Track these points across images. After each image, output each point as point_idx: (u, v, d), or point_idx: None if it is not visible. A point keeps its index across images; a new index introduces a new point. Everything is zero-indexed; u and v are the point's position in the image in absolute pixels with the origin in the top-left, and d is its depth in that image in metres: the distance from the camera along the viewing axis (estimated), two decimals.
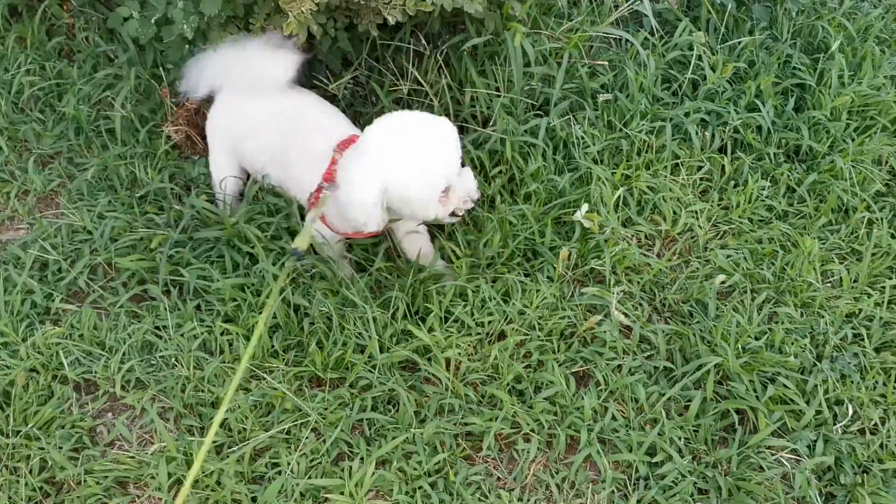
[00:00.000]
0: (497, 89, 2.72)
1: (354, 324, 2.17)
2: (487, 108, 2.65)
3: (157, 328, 2.20)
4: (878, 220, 2.52)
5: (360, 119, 2.72)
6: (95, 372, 2.11)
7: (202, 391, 2.07)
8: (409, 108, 2.74)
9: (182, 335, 2.17)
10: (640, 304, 2.32)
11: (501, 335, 2.22)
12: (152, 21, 2.44)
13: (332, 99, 2.78)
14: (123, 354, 2.13)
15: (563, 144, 2.64)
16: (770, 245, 2.45)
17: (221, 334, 2.18)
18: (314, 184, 2.13)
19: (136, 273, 2.32)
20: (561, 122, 2.61)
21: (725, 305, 2.29)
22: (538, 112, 2.71)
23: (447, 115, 2.70)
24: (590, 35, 2.76)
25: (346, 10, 2.40)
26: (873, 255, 2.43)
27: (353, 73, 2.75)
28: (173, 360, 2.13)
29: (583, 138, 2.59)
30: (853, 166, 2.61)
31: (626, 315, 2.25)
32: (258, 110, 2.32)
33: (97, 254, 2.35)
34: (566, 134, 2.62)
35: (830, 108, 2.71)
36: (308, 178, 2.16)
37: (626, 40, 2.82)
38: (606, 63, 2.76)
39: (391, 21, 2.27)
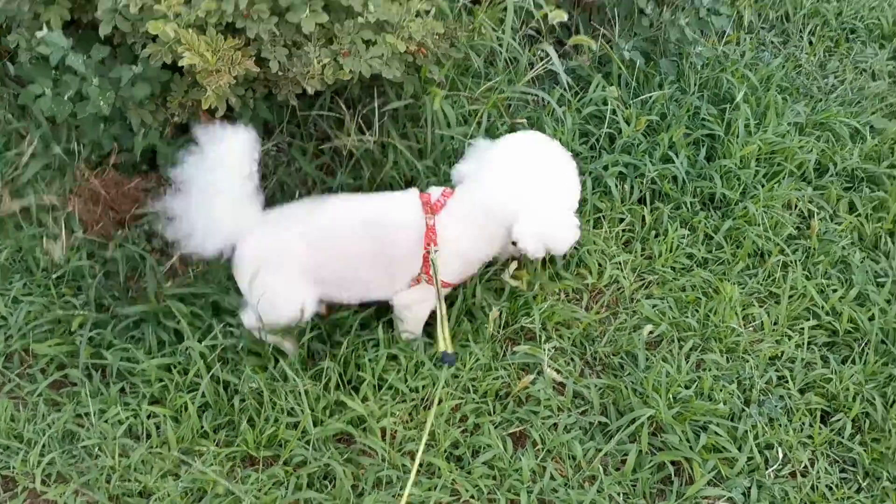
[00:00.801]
0: (420, 150, 2.75)
1: (286, 398, 2.12)
2: (410, 170, 2.67)
3: (78, 416, 2.12)
4: (792, 262, 2.62)
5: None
6: (13, 467, 2.01)
7: (129, 481, 1.99)
8: (332, 172, 2.75)
9: (106, 421, 2.09)
10: (572, 359, 2.34)
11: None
12: (66, 98, 2.39)
13: None
14: (43, 447, 2.04)
15: None
16: (693, 292, 2.51)
17: (148, 417, 2.11)
18: (413, 268, 2.15)
19: (55, 358, 2.23)
20: None
21: (655, 356, 2.33)
22: None
23: (370, 179, 2.73)
24: (507, 94, 2.82)
25: (265, 81, 2.40)
26: (790, 297, 2.51)
27: (275, 140, 2.74)
28: (97, 449, 2.05)
29: None
30: (765, 211, 2.71)
31: (558, 371, 2.27)
32: (315, 233, 2.16)
33: (12, 340, 2.26)
34: None
35: (740, 157, 2.82)
36: (407, 266, 2.16)
37: (543, 98, 2.89)
38: (525, 121, 2.82)
39: (310, 91, 2.28)
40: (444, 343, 2.08)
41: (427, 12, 2.44)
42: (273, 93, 2.44)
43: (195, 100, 2.32)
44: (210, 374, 2.13)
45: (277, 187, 2.75)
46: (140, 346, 2.24)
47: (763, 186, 2.79)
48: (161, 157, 2.64)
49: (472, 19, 2.78)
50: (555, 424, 2.17)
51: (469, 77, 2.87)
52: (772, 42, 3.50)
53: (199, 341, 2.20)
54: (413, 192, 2.22)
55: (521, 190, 2.11)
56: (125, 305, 2.34)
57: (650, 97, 2.97)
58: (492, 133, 2.79)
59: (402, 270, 2.18)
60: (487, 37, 2.79)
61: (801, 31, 3.57)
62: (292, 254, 2.14)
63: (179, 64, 2.04)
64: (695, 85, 3.07)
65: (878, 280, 2.52)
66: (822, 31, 3.59)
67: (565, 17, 2.58)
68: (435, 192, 2.21)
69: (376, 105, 2.70)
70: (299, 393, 2.11)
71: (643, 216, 2.71)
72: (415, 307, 2.26)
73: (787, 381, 2.30)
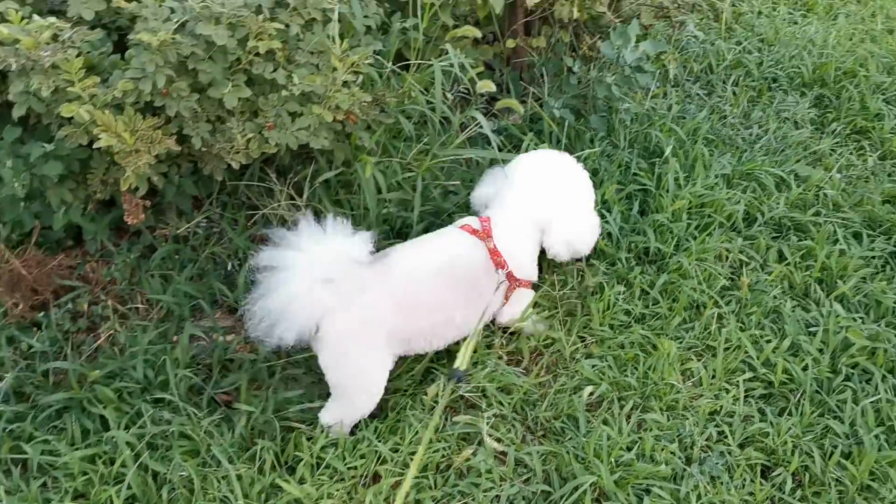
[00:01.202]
0: (354, 217, 2.72)
1: (219, 485, 2.04)
2: None
3: None
4: (726, 314, 2.64)
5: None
6: None
7: None
8: (263, 242, 2.70)
9: None
10: (513, 426, 2.31)
11: (376, 477, 2.15)
12: None
13: (183, 240, 2.70)
14: None
15: None
16: (631, 350, 2.51)
17: None
18: (496, 298, 2.34)
19: None
20: None
21: (596, 418, 2.31)
22: (398, 237, 2.72)
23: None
24: (441, 157, 2.82)
25: (189, 157, 2.35)
26: (726, 349, 2.53)
27: (205, 213, 2.69)
28: None
29: None
30: (698, 264, 2.74)
31: (499, 440, 2.23)
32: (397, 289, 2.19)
33: None
34: None
35: (672, 211, 2.86)
36: (490, 290, 2.32)
37: (476, 159, 2.91)
38: (459, 183, 2.82)
39: (235, 166, 2.24)
40: (461, 359, 2.22)
41: (354, 81, 2.44)
42: (199, 167, 2.40)
43: (116, 178, 2.26)
44: (137, 463, 2.05)
45: (209, 260, 2.69)
46: (62, 437, 2.14)
47: (695, 239, 2.83)
48: (87, 233, 2.58)
49: (401, 84, 2.78)
50: (497, 496, 2.12)
51: (401, 141, 2.87)
52: (697, 94, 3.58)
53: (126, 429, 2.12)
54: (455, 227, 2.40)
55: (549, 202, 2.42)
56: (47, 393, 2.24)
57: (582, 153, 3.00)
58: (426, 196, 2.78)
59: (490, 296, 2.33)
60: (418, 100, 2.79)
61: (724, 83, 3.67)
62: (381, 319, 2.15)
63: (95, 146, 1.99)
64: (625, 140, 3.12)
65: (810, 329, 2.56)
66: (745, 82, 3.69)
67: (493, 88, 2.61)
68: (472, 221, 2.40)
69: (308, 174, 2.68)
70: (232, 479, 2.04)
71: (581, 273, 2.71)
72: (518, 308, 2.46)
73: (726, 437, 2.30)
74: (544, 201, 2.42)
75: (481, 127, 2.80)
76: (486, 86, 2.58)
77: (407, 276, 2.21)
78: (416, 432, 2.20)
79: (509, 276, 2.35)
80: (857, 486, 2.15)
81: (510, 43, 3.31)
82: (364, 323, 2.12)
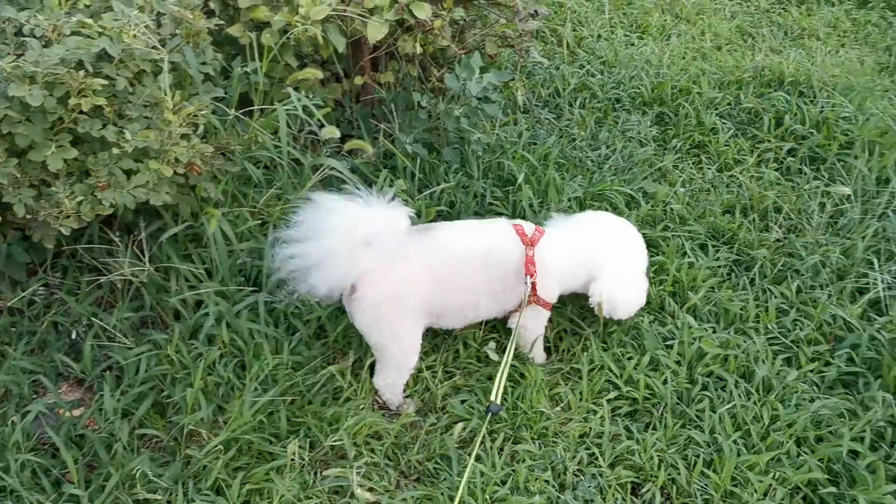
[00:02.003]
0: (207, 271, 2.62)
1: None
2: (197, 293, 2.53)
3: None
4: (589, 334, 2.69)
5: None
6: None
7: None
8: (111, 307, 2.55)
9: None
10: (386, 472, 2.26)
11: None
12: None
13: (18, 312, 2.52)
14: None
15: (283, 316, 2.59)
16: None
17: None
18: (519, 291, 2.39)
19: None
20: (282, 295, 2.56)
21: (468, 455, 2.30)
22: (255, 287, 2.63)
23: (152, 308, 2.56)
24: (293, 201, 2.75)
25: (14, 224, 2.19)
26: (591, 370, 2.58)
27: (40, 281, 2.51)
28: None
29: (298, 309, 2.54)
30: None
31: (371, 490, 2.18)
32: (439, 260, 2.31)
33: None
34: (285, 307, 2.56)
35: None
36: (515, 289, 2.39)
37: None
38: None
39: (66, 232, 2.10)
40: (494, 394, 2.27)
41: (194, 132, 2.35)
42: (28, 235, 2.24)
43: None
44: None
45: (50, 330, 2.51)
46: None
47: None
48: None
49: (246, 130, 2.71)
50: None
51: (251, 188, 2.79)
52: (546, 119, 3.68)
53: None
54: (507, 223, 2.45)
55: (606, 248, 2.49)
56: None
57: (438, 187, 3.00)
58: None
59: (512, 294, 2.41)
60: (266, 145, 2.72)
61: (571, 106, 3.78)
62: (417, 289, 2.26)
63: None
64: (479, 170, 3.15)
65: (667, 342, 2.65)
66: (591, 104, 3.82)
67: (337, 134, 2.57)
68: (528, 226, 2.45)
69: (153, 230, 2.56)
70: None
71: None
72: (531, 325, 2.51)
73: (597, 459, 2.34)
74: (603, 247, 2.50)
75: (330, 170, 2.75)
76: (331, 132, 2.54)
77: (448, 253, 2.33)
78: (282, 496, 2.11)
79: (533, 286, 2.39)
80: (721, 494, 2.23)
81: (358, 80, 3.29)
82: (401, 289, 2.24)
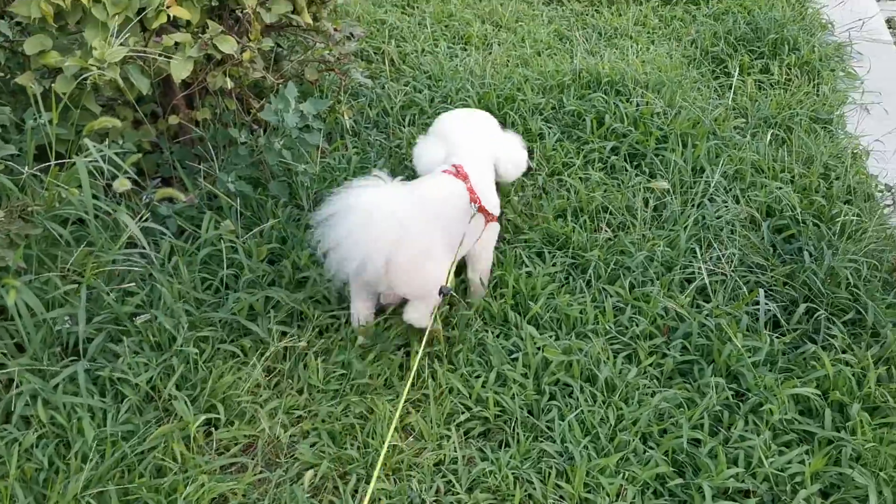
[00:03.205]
0: (17, 345, 2.40)
1: None
2: (5, 372, 2.31)
3: None
4: (434, 355, 2.67)
5: None
6: None
7: None
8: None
9: None
10: None
11: None
12: None
13: None
14: None
15: (109, 382, 2.41)
16: (346, 419, 2.44)
17: None
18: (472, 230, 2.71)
19: None
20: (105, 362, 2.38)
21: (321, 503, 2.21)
22: (74, 356, 2.44)
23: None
24: (108, 259, 2.57)
25: None
26: (440, 394, 2.55)
27: None
28: None
29: (124, 374, 2.37)
30: None
31: None
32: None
33: None
34: (109, 372, 2.39)
35: None
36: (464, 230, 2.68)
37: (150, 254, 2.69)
38: (134, 283, 2.59)
39: None
40: (448, 280, 2.54)
41: None
42: None
43: None
44: None
45: None
46: None
47: None
48: None
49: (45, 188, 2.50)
50: None
51: (60, 248, 2.58)
52: (377, 140, 3.63)
53: None
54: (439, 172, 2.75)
55: (495, 138, 2.98)
56: None
57: (265, 226, 2.89)
58: (100, 304, 2.52)
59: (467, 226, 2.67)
60: (74, 201, 2.52)
61: (400, 124, 3.75)
62: (432, 238, 2.50)
63: None
64: (309, 201, 3.07)
65: (513, 356, 2.66)
66: (421, 120, 3.80)
67: (128, 186, 2.42)
68: (448, 168, 2.74)
69: None
70: None
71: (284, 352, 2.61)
72: (490, 246, 2.89)
73: (454, 486, 2.31)
74: (492, 139, 2.96)
75: (146, 221, 2.59)
76: (122, 184, 2.39)
77: (438, 203, 2.61)
78: None
79: (482, 209, 2.69)
80: (574, 502, 2.25)
81: (172, 119, 3.13)
82: (424, 246, 2.45)
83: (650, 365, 2.65)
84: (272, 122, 2.88)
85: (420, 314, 2.61)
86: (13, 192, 2.42)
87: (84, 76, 2.54)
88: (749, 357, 2.58)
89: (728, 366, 2.60)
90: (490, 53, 4.39)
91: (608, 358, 2.64)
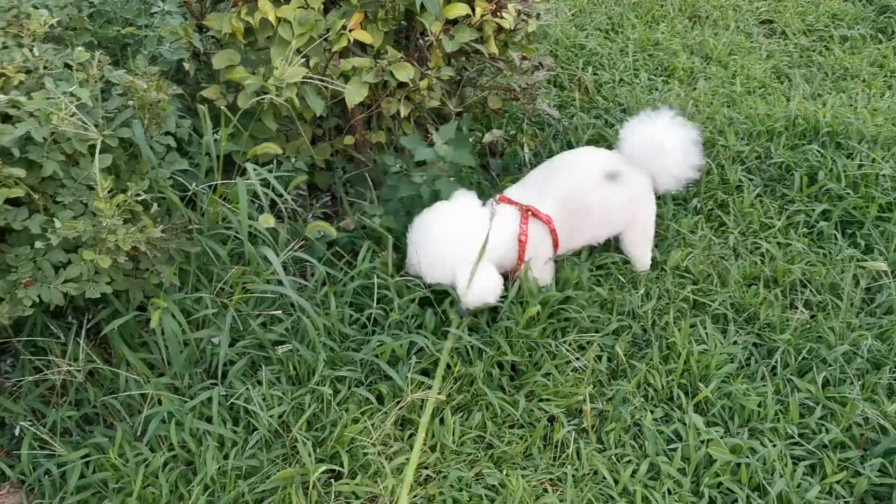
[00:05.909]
0: (155, 363, 2.42)
1: None
2: (145, 384, 2.32)
3: None
4: (581, 432, 2.40)
5: None
6: None
7: None
8: (58, 407, 2.36)
9: None
10: None
11: None
12: None
13: None
14: None
15: (244, 411, 2.36)
16: (477, 489, 2.24)
17: None
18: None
19: None
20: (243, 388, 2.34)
21: None
22: (214, 380, 2.42)
23: (94, 407, 2.36)
24: (260, 283, 2.54)
25: None
26: (583, 476, 2.28)
27: None
28: None
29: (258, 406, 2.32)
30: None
31: None
32: None
33: None
34: (244, 401, 2.34)
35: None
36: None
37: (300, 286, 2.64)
38: (280, 311, 2.53)
39: None
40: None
41: (140, 213, 2.16)
42: None
43: None
44: None
45: None
46: None
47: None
48: None
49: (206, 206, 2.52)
50: None
51: (215, 268, 2.58)
52: None
53: None
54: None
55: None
56: None
57: None
58: (246, 328, 2.49)
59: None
60: (234, 221, 2.51)
61: None
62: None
63: None
64: None
65: (671, 446, 2.33)
66: None
67: (272, 223, 2.35)
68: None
69: (105, 315, 2.37)
70: None
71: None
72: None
73: None
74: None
75: (298, 250, 2.54)
76: (266, 221, 2.32)
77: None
78: None
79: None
80: None
81: (347, 140, 3.09)
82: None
83: (838, 482, 2.23)
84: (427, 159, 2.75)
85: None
86: (178, 207, 2.44)
87: (263, 95, 2.53)
88: None
89: None
90: (695, 89, 4.01)
91: (785, 466, 2.25)
